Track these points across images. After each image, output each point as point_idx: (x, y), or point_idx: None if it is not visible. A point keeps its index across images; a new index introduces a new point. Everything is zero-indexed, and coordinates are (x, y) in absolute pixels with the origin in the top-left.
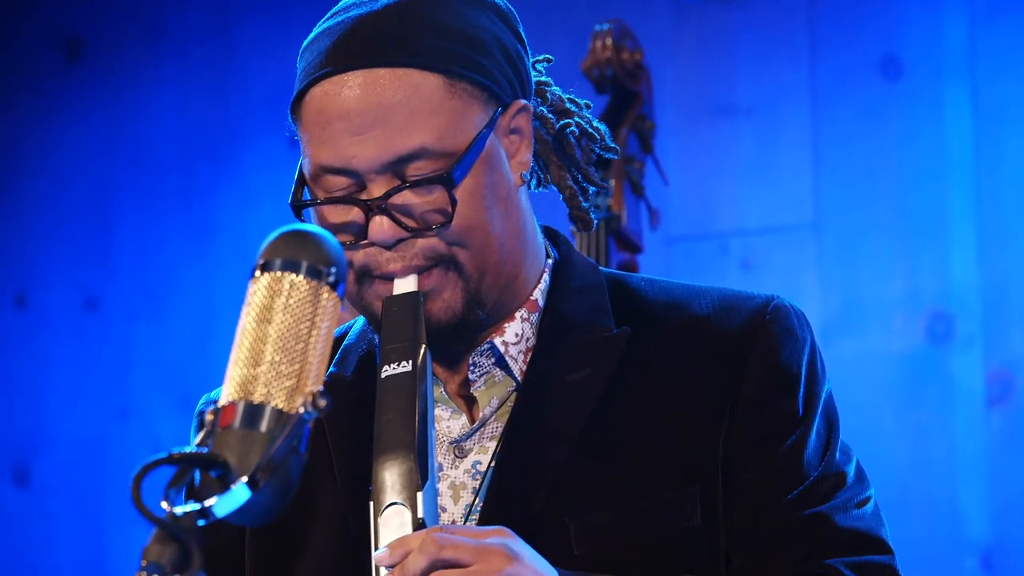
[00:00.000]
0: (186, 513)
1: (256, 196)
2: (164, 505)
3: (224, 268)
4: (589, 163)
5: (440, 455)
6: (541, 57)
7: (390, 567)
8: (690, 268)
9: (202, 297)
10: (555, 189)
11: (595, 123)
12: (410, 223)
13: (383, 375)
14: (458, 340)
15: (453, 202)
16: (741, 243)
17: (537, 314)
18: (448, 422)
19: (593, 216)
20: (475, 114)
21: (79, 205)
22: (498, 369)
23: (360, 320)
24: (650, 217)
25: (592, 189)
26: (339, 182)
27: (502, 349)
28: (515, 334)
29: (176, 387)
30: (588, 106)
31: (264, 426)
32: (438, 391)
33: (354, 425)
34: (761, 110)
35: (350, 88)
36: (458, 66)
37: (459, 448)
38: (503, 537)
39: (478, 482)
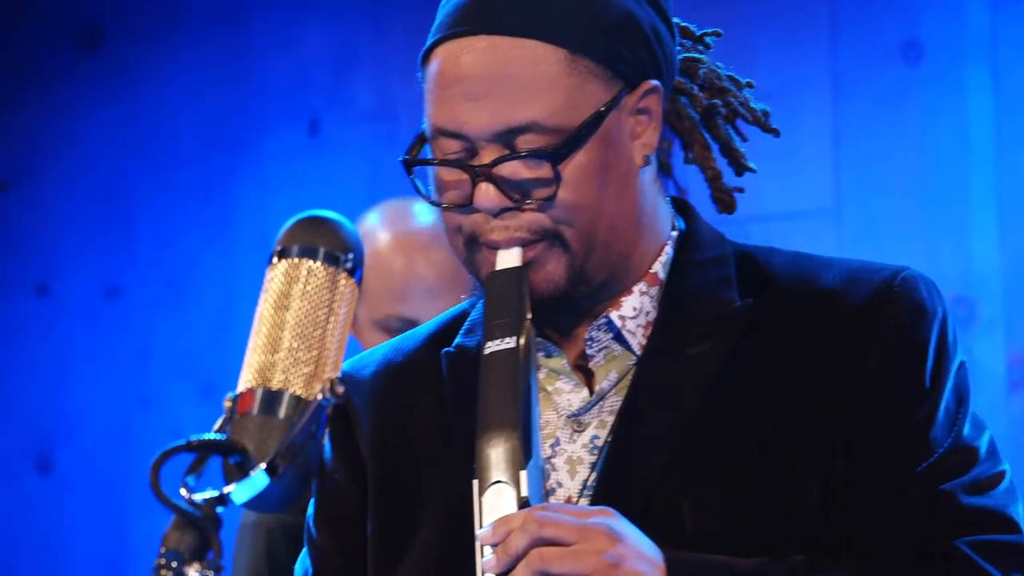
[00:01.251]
0: (204, 500)
1: (275, 185)
2: (183, 492)
3: (244, 257)
4: (740, 143)
5: (558, 428)
6: (710, 31)
7: (493, 546)
8: None
9: (222, 285)
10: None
11: (753, 103)
12: (514, 194)
13: (487, 351)
14: (562, 314)
15: (558, 178)
16: (761, 228)
17: (658, 287)
18: (569, 395)
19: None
20: (594, 92)
21: (99, 194)
22: (616, 343)
23: None
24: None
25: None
26: (452, 145)
27: (619, 324)
28: (633, 308)
29: (197, 375)
30: (750, 85)
31: (282, 412)
32: (560, 362)
33: (475, 398)
34: (781, 95)
35: (471, 53)
36: (582, 42)
37: (577, 422)
38: (606, 517)
39: (595, 456)
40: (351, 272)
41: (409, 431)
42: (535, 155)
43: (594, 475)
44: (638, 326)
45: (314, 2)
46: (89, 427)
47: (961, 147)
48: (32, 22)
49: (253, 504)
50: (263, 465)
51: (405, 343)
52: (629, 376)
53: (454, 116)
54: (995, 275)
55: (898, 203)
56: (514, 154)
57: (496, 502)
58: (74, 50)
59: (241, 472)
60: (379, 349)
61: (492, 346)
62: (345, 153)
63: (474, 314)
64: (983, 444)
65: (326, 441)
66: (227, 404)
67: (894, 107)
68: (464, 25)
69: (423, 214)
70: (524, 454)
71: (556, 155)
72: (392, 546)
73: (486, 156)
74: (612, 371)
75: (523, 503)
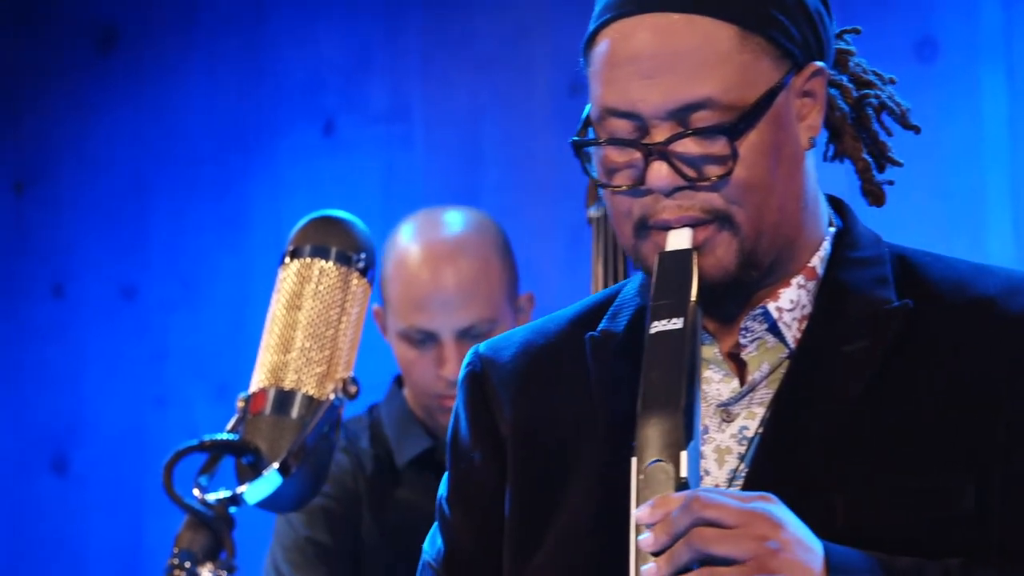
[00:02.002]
0: (217, 500)
1: (289, 186)
2: (196, 492)
3: (259, 257)
4: (887, 137)
5: (707, 417)
6: (849, 28)
7: (649, 525)
8: None
9: (237, 286)
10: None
11: (898, 98)
12: (689, 172)
13: (652, 331)
14: (729, 300)
15: (735, 155)
16: None
17: (815, 282)
18: (719, 384)
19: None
20: (766, 70)
21: (114, 195)
22: (770, 335)
23: (635, 278)
24: None
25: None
26: (622, 125)
27: (775, 315)
28: (790, 300)
29: (212, 375)
30: (892, 80)
31: (295, 412)
32: (712, 351)
33: (621, 381)
34: None
35: (642, 31)
36: (754, 19)
37: (726, 412)
38: (767, 503)
39: (744, 447)
40: (363, 272)
41: (551, 412)
42: (713, 130)
43: (743, 466)
44: (793, 319)
45: (329, 3)
46: (104, 428)
47: (976, 145)
48: (47, 23)
49: (266, 504)
50: (275, 465)
51: (547, 326)
52: (781, 369)
53: (626, 95)
54: None
55: (913, 201)
56: (690, 130)
57: (654, 481)
58: (89, 51)
59: (254, 472)
60: (519, 331)
61: (658, 326)
62: (360, 154)
63: (619, 299)
64: None
65: (462, 420)
66: (240, 404)
67: (909, 105)
68: (633, 4)
69: (453, 223)
70: (686, 435)
71: (734, 130)
72: (532, 527)
73: (659, 135)
74: (764, 362)
75: (682, 484)
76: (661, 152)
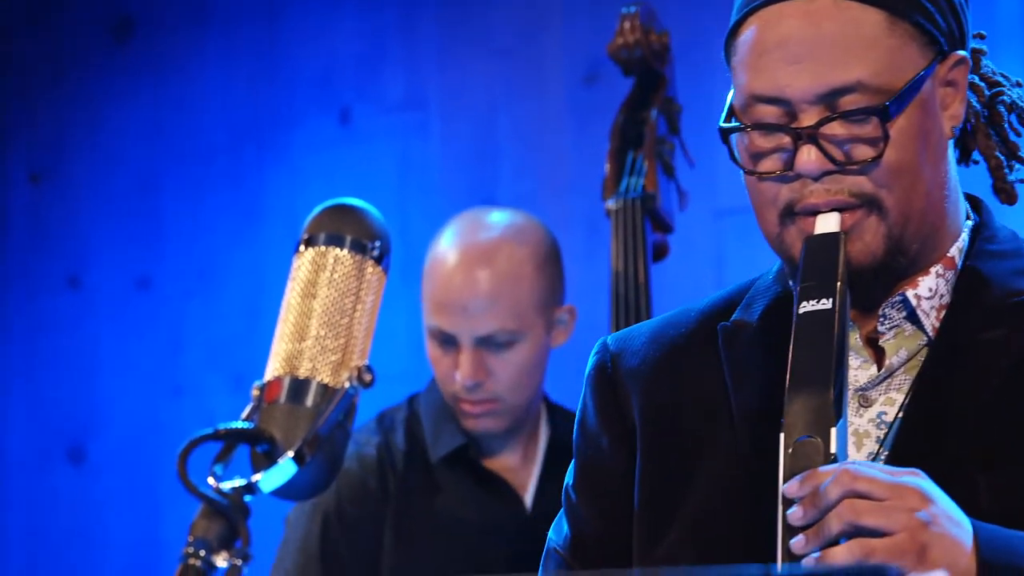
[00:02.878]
0: (232, 488)
1: (305, 176)
2: (210, 481)
3: (274, 247)
4: (1018, 136)
5: None
6: (977, 32)
7: (799, 498)
8: (739, 241)
9: (253, 276)
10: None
11: None
12: (838, 156)
13: (801, 311)
14: (876, 285)
15: (886, 137)
16: None
17: (953, 272)
18: (856, 370)
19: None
20: (913, 56)
21: (129, 186)
22: (908, 323)
23: (771, 269)
24: (679, 198)
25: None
26: (769, 111)
27: (914, 303)
28: (929, 289)
29: (228, 365)
30: (1019, 84)
31: (310, 401)
32: (852, 337)
33: (755, 368)
34: None
35: (790, 17)
36: (902, 5)
37: (864, 397)
38: (917, 478)
39: (882, 432)
40: (378, 260)
41: (682, 401)
42: (866, 111)
43: (882, 449)
44: (932, 307)
45: None
46: (121, 418)
47: None
48: (62, 15)
49: (281, 493)
50: (290, 453)
51: (678, 318)
52: (919, 356)
53: (774, 80)
54: None
55: None
56: (842, 112)
57: (803, 457)
58: (104, 43)
59: (269, 461)
60: (649, 323)
61: (807, 306)
62: (376, 143)
63: (753, 290)
64: None
65: (589, 408)
66: (255, 393)
67: None
68: None
69: (494, 227)
70: (835, 413)
71: (886, 113)
72: (663, 511)
73: (807, 119)
74: (902, 349)
75: (831, 460)
76: (811, 135)
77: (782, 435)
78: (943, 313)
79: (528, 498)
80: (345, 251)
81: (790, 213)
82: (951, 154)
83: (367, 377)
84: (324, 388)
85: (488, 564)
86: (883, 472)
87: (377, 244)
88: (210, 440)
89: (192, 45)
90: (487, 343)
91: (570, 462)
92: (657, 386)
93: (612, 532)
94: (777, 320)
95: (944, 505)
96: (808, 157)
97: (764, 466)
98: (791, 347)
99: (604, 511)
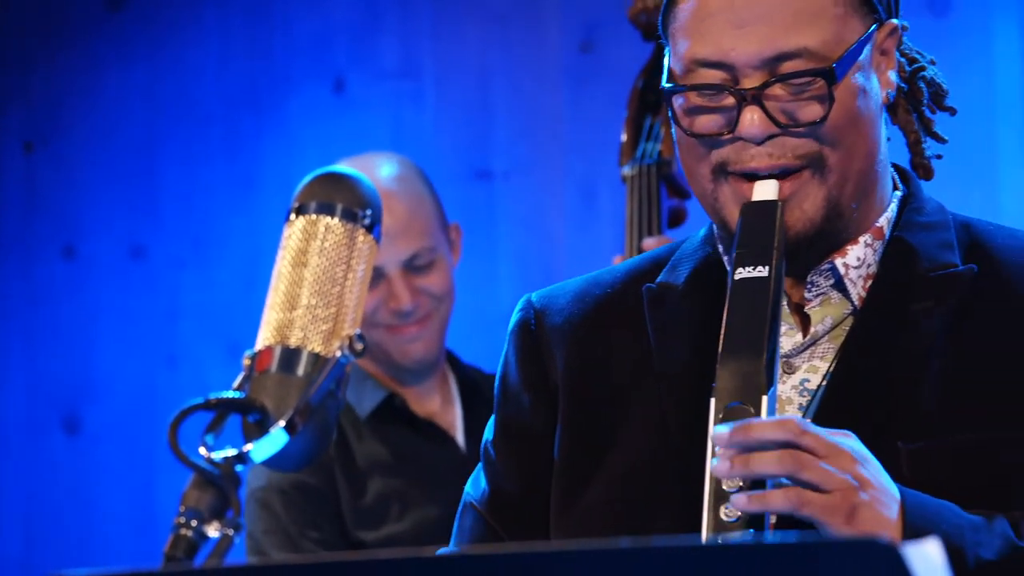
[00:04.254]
0: (223, 458)
1: (300, 144)
2: (202, 450)
3: (269, 215)
4: (933, 113)
5: None
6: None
7: (731, 447)
8: None
9: (248, 244)
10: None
11: (940, 77)
12: (782, 118)
13: (736, 277)
14: (810, 253)
15: (831, 98)
16: None
17: (882, 242)
18: (782, 337)
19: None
20: (855, 24)
21: (124, 155)
22: (835, 291)
23: (697, 233)
24: None
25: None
26: (711, 75)
27: (842, 271)
28: (857, 258)
29: (224, 334)
30: (933, 62)
31: (301, 370)
32: None
33: (679, 330)
34: None
35: None
36: None
37: (787, 364)
38: (852, 440)
39: (805, 399)
40: (369, 228)
41: (604, 359)
42: (812, 73)
43: (806, 416)
44: (859, 276)
45: None
46: (116, 387)
47: (989, 99)
48: None
49: (272, 462)
50: (282, 423)
51: (603, 277)
52: (844, 325)
53: (718, 44)
54: None
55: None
56: (788, 74)
57: (733, 423)
58: (98, 10)
59: (260, 430)
60: (575, 280)
61: (743, 272)
62: (370, 111)
63: (679, 253)
64: None
65: (511, 364)
66: (246, 362)
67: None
68: None
69: (383, 166)
70: (767, 380)
71: (832, 75)
72: (583, 469)
73: (749, 83)
74: (827, 317)
75: None
76: (755, 97)
77: (712, 400)
78: (869, 283)
79: (459, 437)
80: (336, 219)
81: (723, 171)
82: (883, 122)
83: (358, 346)
84: (315, 357)
85: (449, 503)
86: (822, 431)
87: (368, 212)
88: (201, 410)
89: (187, 12)
90: (411, 266)
91: (482, 401)
92: (581, 344)
93: (530, 489)
94: (703, 283)
95: (875, 469)
96: (752, 119)
97: (686, 426)
98: (725, 312)
99: (523, 467)
